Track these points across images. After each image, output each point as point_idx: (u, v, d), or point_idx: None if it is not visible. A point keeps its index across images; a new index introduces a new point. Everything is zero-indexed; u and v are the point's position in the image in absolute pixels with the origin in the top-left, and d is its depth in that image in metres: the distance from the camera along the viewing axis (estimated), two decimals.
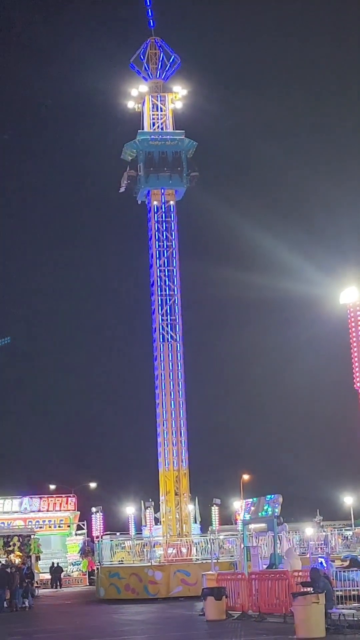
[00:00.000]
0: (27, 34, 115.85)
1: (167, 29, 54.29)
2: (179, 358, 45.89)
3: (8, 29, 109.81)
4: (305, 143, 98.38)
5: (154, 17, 51.04)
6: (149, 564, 37.96)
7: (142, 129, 49.10)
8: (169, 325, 46.10)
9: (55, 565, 53.36)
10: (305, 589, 21.61)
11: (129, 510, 64.21)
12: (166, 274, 46.73)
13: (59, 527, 62.91)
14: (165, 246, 47.17)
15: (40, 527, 59.26)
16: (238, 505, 60.42)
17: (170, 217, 47.76)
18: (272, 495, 29.44)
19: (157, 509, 49.58)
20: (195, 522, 54.81)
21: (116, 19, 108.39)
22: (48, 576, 53.01)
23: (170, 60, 50.04)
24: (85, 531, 60.97)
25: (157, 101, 49.60)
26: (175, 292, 46.55)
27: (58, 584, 52.20)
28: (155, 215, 47.60)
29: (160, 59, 50.18)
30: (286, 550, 29.85)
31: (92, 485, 75.36)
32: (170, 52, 50.22)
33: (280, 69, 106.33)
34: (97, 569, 40.71)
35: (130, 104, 50.03)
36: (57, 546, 61.29)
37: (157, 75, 50.03)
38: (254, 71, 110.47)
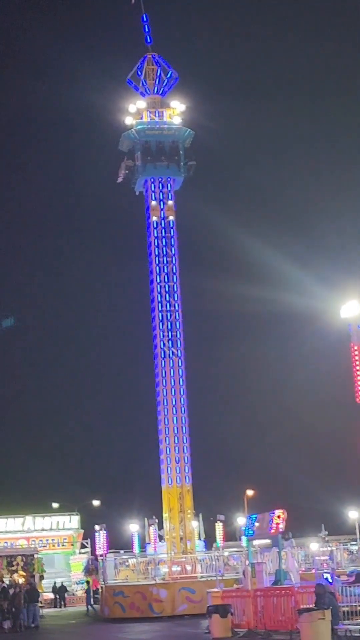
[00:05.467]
0: (23, 48, 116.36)
1: (164, 44, 54.52)
2: (180, 374, 45.78)
3: (4, 42, 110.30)
4: (305, 154, 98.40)
5: (151, 33, 51.30)
6: (154, 582, 37.61)
7: None
8: (170, 341, 45.99)
9: (60, 584, 52.96)
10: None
11: (133, 527, 63.79)
12: (167, 290, 46.70)
13: (63, 545, 62.52)
14: (165, 262, 47.16)
15: (44, 546, 58.86)
16: (242, 521, 60.03)
17: (170, 233, 47.77)
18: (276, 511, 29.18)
19: (160, 526, 49.26)
20: (200, 539, 54.45)
21: (113, 34, 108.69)
22: (52, 595, 52.61)
23: (168, 76, 50.22)
24: (89, 549, 60.55)
25: (155, 117, 49.65)
26: (176, 308, 46.48)
27: (62, 603, 51.82)
28: (155, 231, 47.59)
29: (158, 74, 50.38)
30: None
31: (96, 503, 74.90)
32: (168, 68, 50.40)
33: (279, 82, 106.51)
34: (102, 587, 40.35)
35: (128, 120, 50.03)
36: (60, 565, 60.85)
37: (155, 91, 50.19)
38: (252, 85, 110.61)
